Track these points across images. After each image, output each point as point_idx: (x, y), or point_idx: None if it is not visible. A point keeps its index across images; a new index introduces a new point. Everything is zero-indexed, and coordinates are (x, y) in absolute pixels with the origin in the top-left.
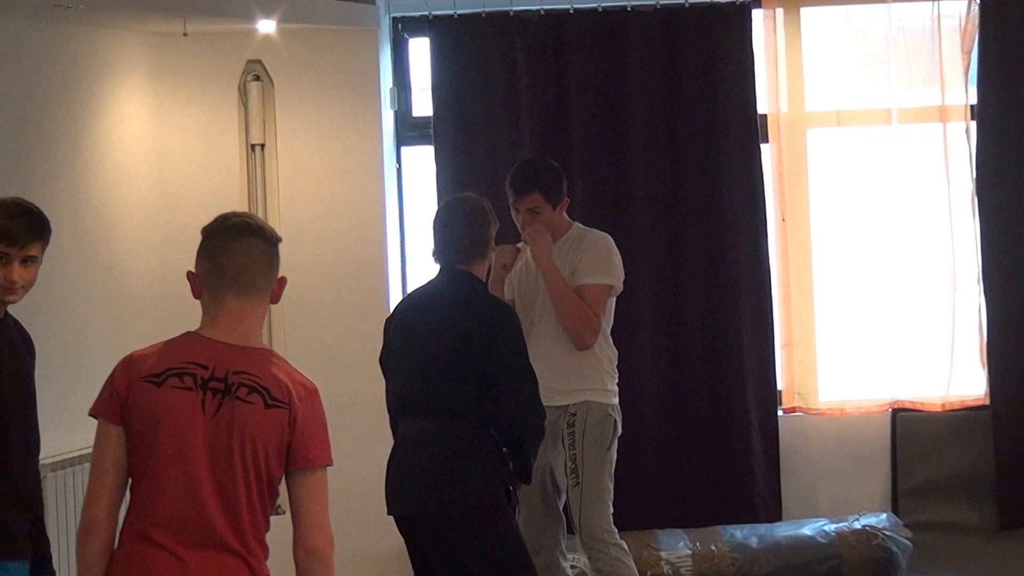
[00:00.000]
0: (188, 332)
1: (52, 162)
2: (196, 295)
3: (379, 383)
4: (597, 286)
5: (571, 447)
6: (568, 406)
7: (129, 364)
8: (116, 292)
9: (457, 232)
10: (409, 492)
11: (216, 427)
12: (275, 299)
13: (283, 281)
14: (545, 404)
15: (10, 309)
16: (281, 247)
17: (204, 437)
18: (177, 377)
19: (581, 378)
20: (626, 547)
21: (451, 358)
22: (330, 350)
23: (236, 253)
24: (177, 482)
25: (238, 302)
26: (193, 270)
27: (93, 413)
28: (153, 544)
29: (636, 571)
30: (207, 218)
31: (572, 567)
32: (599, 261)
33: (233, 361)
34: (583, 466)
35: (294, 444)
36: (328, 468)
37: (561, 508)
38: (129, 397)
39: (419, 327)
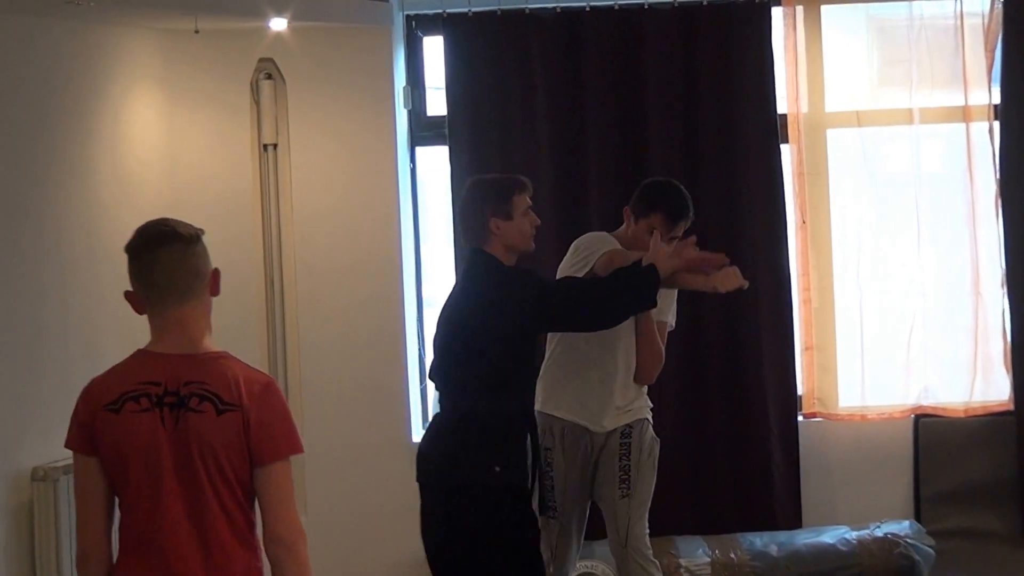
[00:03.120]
0: (139, 350)
1: (63, 160)
2: (139, 312)
3: (393, 381)
4: (666, 324)
5: (625, 457)
6: (622, 427)
7: (88, 395)
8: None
9: (461, 215)
10: (420, 460)
11: (177, 440)
12: (214, 292)
13: (217, 272)
14: (602, 429)
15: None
16: (295, 247)
17: (168, 452)
18: (133, 401)
19: (639, 398)
20: (659, 565)
21: (450, 335)
22: (344, 350)
23: (161, 264)
24: (147, 502)
25: (178, 310)
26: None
27: (67, 446)
28: (140, 566)
29: None
30: (219, 218)
31: (588, 575)
32: (672, 301)
33: (185, 372)
34: (636, 478)
35: (251, 443)
36: (295, 456)
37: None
38: (94, 428)
39: (443, 307)
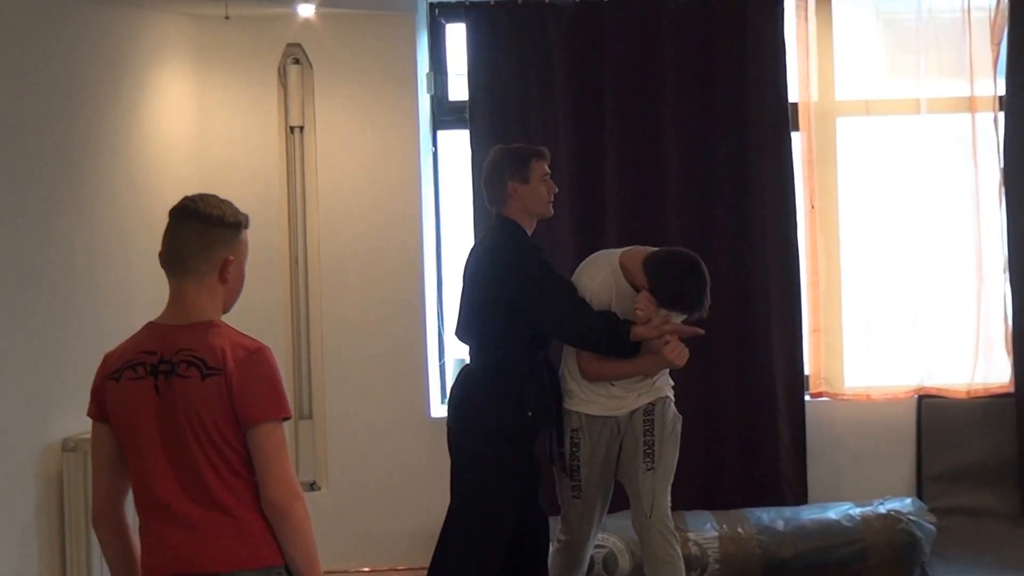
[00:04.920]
0: (148, 323)
1: (96, 141)
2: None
3: (413, 357)
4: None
5: (649, 433)
6: (645, 405)
7: (101, 365)
8: (158, 271)
9: (484, 180)
10: (456, 407)
11: (166, 407)
12: (223, 279)
13: (228, 262)
14: (623, 411)
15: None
16: (319, 226)
17: (158, 418)
18: (131, 369)
19: (661, 376)
20: (679, 539)
21: (474, 293)
22: (367, 328)
23: (172, 236)
24: (145, 466)
25: (176, 284)
26: None
27: (87, 415)
28: (145, 528)
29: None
30: (247, 199)
31: (600, 547)
32: None
33: (176, 341)
34: (659, 452)
35: (235, 406)
36: (284, 421)
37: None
38: (102, 396)
39: (466, 266)
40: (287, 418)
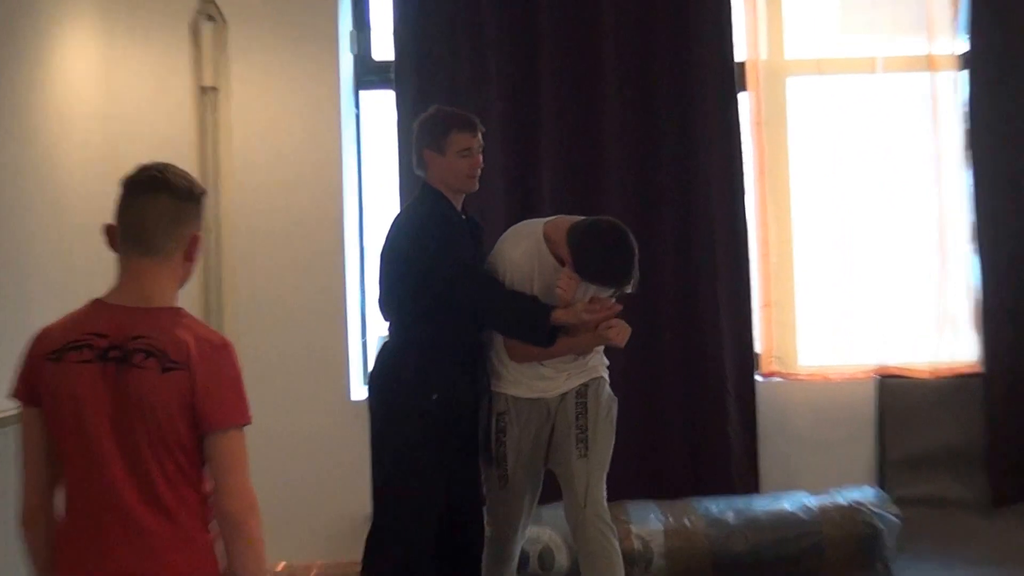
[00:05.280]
0: (95, 299)
1: None
2: (113, 249)
3: (333, 333)
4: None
5: (582, 417)
6: (577, 386)
7: (34, 342)
8: (62, 237)
9: (412, 145)
10: (369, 384)
11: (116, 397)
12: (189, 257)
13: (196, 238)
14: (553, 392)
15: None
16: (232, 195)
17: (107, 409)
18: (76, 351)
19: (594, 356)
20: (615, 531)
21: (388, 265)
22: (283, 299)
23: (137, 210)
24: (82, 458)
25: (140, 262)
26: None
27: (11, 395)
28: (79, 529)
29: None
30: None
31: (535, 542)
32: None
33: (133, 326)
34: (593, 437)
35: (196, 406)
36: (245, 427)
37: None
38: (35, 376)
39: (386, 238)
40: (248, 424)
